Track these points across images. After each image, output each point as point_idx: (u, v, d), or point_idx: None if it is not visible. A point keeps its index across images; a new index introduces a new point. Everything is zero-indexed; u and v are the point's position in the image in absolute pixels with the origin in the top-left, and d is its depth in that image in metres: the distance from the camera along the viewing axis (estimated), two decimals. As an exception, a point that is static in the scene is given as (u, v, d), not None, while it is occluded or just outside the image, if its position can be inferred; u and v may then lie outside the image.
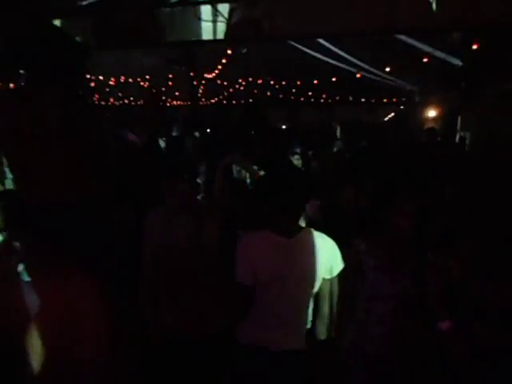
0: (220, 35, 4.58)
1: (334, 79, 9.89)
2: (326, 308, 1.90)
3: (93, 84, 11.46)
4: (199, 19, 4.54)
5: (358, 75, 8.70)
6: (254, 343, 1.82)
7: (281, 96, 13.76)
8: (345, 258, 1.90)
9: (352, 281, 2.01)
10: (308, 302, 1.89)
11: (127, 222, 2.57)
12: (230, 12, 4.41)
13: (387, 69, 7.65)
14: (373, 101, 14.93)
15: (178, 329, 2.07)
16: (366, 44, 6.29)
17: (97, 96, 14.74)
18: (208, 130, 9.38)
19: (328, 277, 1.84)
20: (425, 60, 6.44)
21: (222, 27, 4.54)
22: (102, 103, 15.81)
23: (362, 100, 14.69)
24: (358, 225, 2.51)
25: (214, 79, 10.56)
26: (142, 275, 2.09)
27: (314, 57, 6.96)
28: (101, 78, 10.42)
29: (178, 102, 15.88)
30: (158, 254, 2.06)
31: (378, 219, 2.02)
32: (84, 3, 4.05)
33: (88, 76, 10.44)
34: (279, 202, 1.77)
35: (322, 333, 1.93)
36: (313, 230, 1.85)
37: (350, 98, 14.71)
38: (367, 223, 2.19)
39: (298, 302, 1.84)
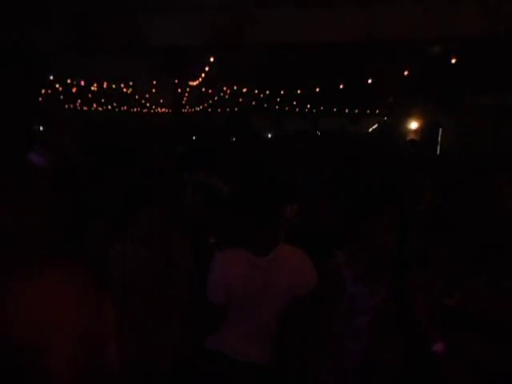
0: (202, 42, 4.56)
1: (317, 89, 9.98)
2: (298, 323, 1.85)
3: (74, 90, 11.31)
4: (182, 26, 4.51)
5: (341, 86, 8.80)
6: (218, 350, 1.78)
7: (265, 105, 13.83)
8: (322, 270, 1.86)
9: (329, 294, 1.96)
10: (280, 319, 1.84)
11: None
12: (213, 19, 4.39)
13: (369, 81, 7.76)
14: (356, 111, 15.15)
15: (145, 358, 2.02)
16: (348, 55, 6.37)
17: (79, 102, 14.58)
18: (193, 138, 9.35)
19: (302, 293, 1.79)
20: (405, 73, 6.56)
21: (204, 34, 4.53)
22: (85, 109, 15.65)
23: (346, 111, 14.89)
24: (336, 235, 2.48)
25: (198, 87, 10.52)
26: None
27: (297, 66, 7.00)
28: (82, 83, 10.27)
29: (163, 110, 15.81)
30: (127, 282, 2.03)
31: (358, 231, 1.99)
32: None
33: (69, 81, 10.30)
34: (253, 215, 1.72)
35: (294, 348, 1.87)
36: (288, 245, 1.81)
37: (335, 109, 14.89)
38: (347, 235, 2.16)
39: (270, 320, 1.80)
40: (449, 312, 1.98)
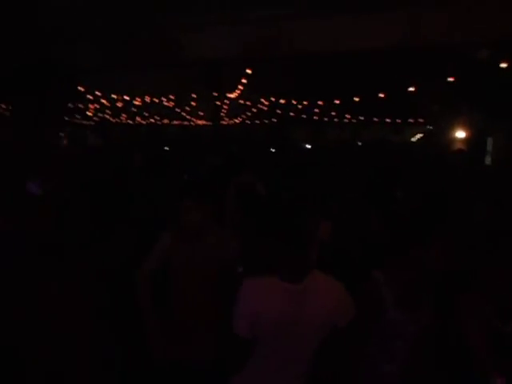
0: (238, 54, 4.58)
1: (356, 99, 9.76)
2: (335, 355, 1.70)
3: (120, 104, 11.83)
4: (217, 39, 4.57)
5: (382, 95, 8.56)
6: None
7: (304, 116, 13.73)
8: (360, 293, 1.72)
9: (367, 320, 1.82)
10: (312, 355, 1.68)
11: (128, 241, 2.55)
12: (247, 31, 4.41)
13: (411, 88, 7.48)
14: (399, 121, 14.67)
15: (183, 356, 2.02)
16: (387, 63, 6.18)
17: (124, 116, 15.24)
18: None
19: (343, 324, 1.64)
20: (451, 79, 6.25)
21: (239, 47, 4.55)
22: (130, 122, 16.33)
23: (387, 120, 14.47)
24: (376, 255, 2.33)
25: (236, 99, 10.65)
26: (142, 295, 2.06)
27: (334, 75, 6.89)
28: (126, 97, 10.70)
29: (202, 122, 16.15)
30: (175, 275, 2.06)
31: (404, 251, 1.84)
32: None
33: (114, 96, 10.78)
34: (282, 243, 1.60)
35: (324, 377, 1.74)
36: (321, 272, 1.67)
37: (375, 119, 14.51)
38: (389, 254, 2.01)
39: (302, 354, 1.61)
40: (504, 340, 1.78)
